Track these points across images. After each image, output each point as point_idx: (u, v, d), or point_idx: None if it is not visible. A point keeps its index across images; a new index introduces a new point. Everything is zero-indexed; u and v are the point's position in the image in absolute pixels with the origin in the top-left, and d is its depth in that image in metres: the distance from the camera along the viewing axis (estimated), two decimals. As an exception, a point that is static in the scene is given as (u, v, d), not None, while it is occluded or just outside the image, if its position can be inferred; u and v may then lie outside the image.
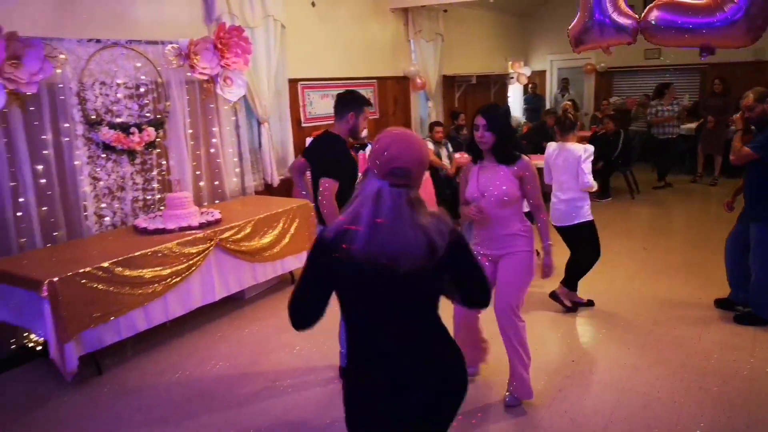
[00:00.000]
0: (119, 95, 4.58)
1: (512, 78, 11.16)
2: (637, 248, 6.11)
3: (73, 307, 3.54)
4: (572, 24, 3.72)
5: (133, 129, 4.57)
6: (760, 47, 8.97)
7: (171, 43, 4.78)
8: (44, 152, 4.17)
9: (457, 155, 7.40)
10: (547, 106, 11.60)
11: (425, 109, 8.77)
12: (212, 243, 4.37)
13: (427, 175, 6.45)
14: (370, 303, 1.81)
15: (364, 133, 4.67)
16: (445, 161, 7.20)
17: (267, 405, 3.44)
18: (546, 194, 3.88)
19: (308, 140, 6.36)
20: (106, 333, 3.76)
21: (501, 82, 10.91)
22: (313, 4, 6.61)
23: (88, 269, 3.63)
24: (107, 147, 4.48)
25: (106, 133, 4.42)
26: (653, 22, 3.24)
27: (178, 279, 4.13)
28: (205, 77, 5.00)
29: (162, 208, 4.81)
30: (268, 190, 6.10)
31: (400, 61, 8.23)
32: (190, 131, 5.19)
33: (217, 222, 4.58)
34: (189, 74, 4.98)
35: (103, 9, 4.51)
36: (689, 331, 4.13)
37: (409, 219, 1.70)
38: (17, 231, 4.05)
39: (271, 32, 5.88)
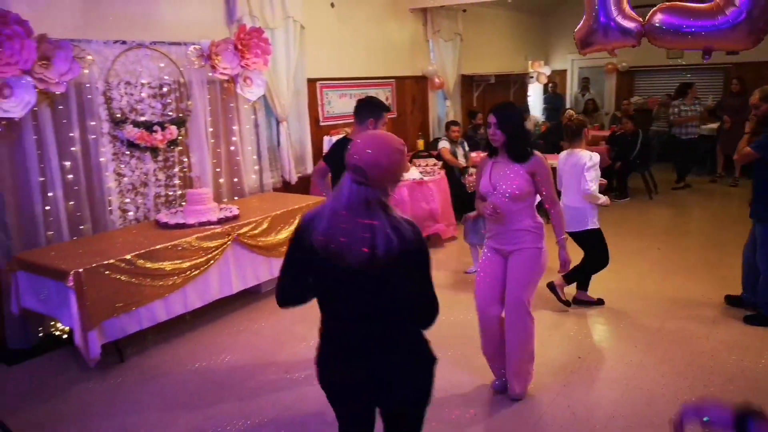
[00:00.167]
0: (143, 94, 4.74)
1: (532, 77, 11.14)
2: (651, 248, 6.08)
3: (97, 297, 3.70)
4: (578, 26, 3.76)
5: (156, 127, 4.74)
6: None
7: (193, 44, 4.95)
8: (72, 149, 4.35)
9: (473, 154, 7.47)
10: (567, 106, 11.57)
11: (443, 108, 8.82)
12: (230, 238, 4.51)
13: (442, 173, 6.60)
14: (334, 295, 1.87)
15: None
16: (461, 160, 7.27)
17: (280, 396, 3.55)
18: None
19: (326, 139, 6.50)
20: (128, 322, 3.93)
21: (521, 81, 10.89)
22: (332, 4, 6.72)
23: (111, 261, 3.81)
24: (131, 144, 4.65)
25: (130, 131, 4.59)
26: (658, 25, 3.27)
27: (196, 272, 4.28)
28: (226, 77, 5.16)
29: (183, 203, 4.96)
30: (286, 187, 6.22)
31: (418, 61, 8.28)
32: (211, 129, 5.34)
33: (235, 218, 4.72)
34: (210, 74, 5.13)
35: (129, 12, 4.68)
36: (698, 330, 4.15)
37: (361, 216, 1.73)
38: (46, 224, 4.23)
39: (290, 33, 5.99)
